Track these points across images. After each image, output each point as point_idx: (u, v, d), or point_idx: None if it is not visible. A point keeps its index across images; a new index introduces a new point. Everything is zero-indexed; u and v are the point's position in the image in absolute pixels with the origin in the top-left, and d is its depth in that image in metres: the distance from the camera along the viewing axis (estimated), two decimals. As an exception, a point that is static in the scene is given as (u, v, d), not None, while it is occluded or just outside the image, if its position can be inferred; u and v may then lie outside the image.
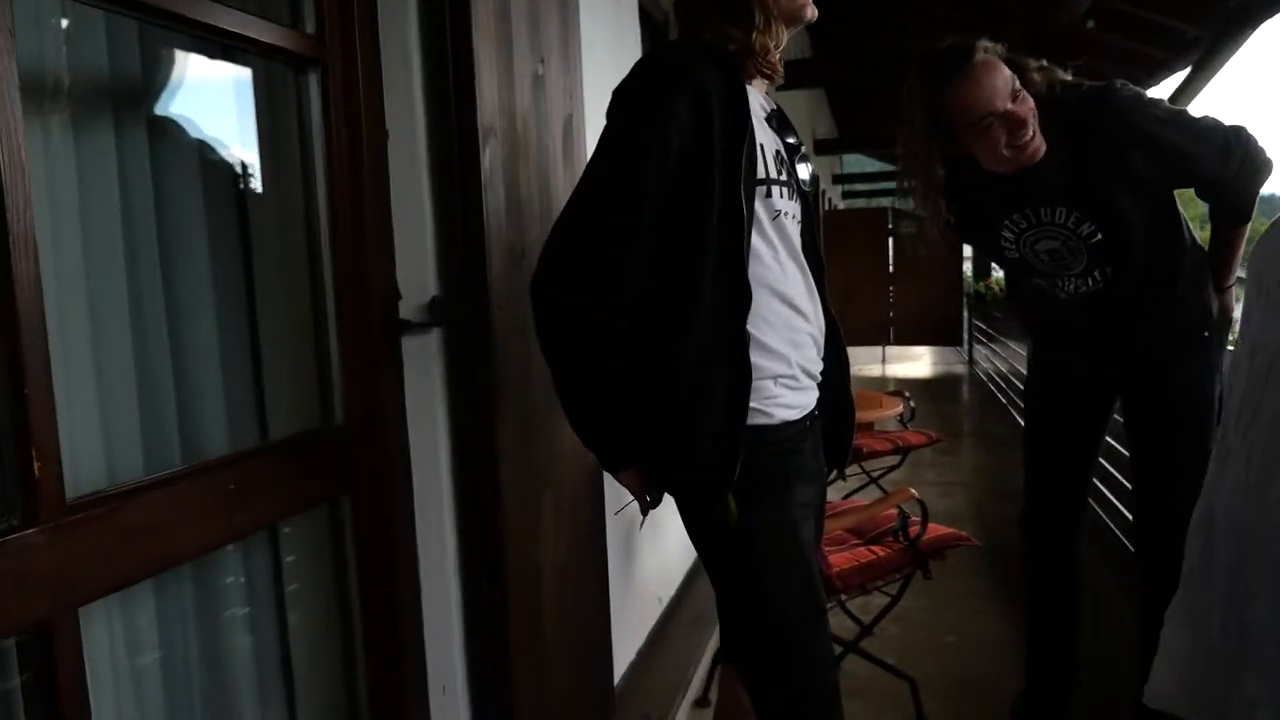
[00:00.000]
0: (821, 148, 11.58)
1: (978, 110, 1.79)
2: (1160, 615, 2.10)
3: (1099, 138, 1.86)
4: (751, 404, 1.37)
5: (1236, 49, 4.60)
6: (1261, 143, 1.91)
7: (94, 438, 1.13)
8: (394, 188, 1.57)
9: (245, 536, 1.35)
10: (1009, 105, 1.78)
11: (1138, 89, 1.91)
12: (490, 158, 1.61)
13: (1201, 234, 2.13)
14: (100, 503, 1.04)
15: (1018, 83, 1.80)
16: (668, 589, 3.18)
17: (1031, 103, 1.81)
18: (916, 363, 12.05)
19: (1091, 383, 2.21)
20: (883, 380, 10.38)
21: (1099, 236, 1.95)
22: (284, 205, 1.51)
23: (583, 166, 2.01)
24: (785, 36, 1.45)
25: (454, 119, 1.58)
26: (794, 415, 1.45)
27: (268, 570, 1.46)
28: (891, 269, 12.48)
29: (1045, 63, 1.91)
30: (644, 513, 1.51)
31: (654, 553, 2.90)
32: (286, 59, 1.45)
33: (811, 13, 1.46)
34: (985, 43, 1.81)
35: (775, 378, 1.41)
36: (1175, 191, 2.03)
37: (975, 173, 1.93)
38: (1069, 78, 1.92)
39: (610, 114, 1.41)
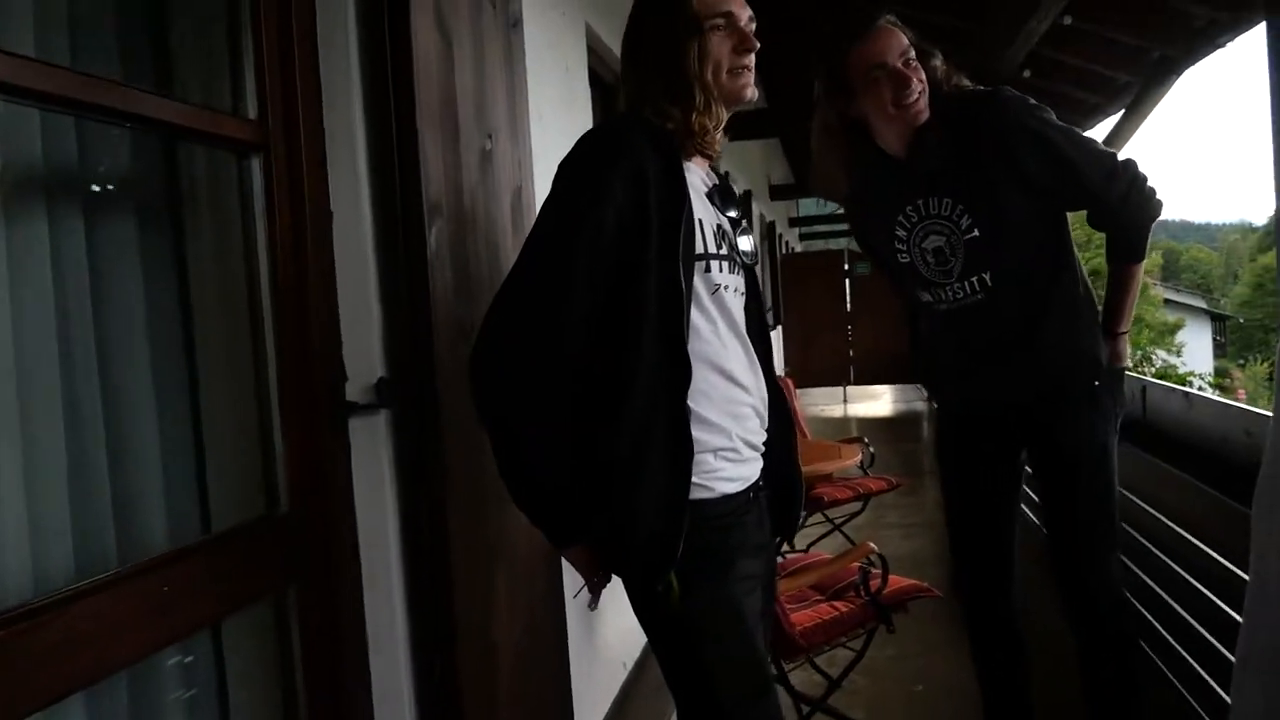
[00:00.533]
0: (777, 193, 11.75)
1: (869, 61, 1.95)
2: (1094, 668, 2.12)
3: (988, 130, 1.97)
4: (692, 478, 1.37)
5: (1163, 94, 4.79)
6: (1150, 181, 1.99)
7: (21, 543, 1.10)
8: (339, 268, 1.56)
9: (185, 638, 1.31)
10: (898, 64, 1.94)
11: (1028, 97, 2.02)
12: (437, 235, 1.61)
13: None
14: (25, 617, 1.00)
15: (913, 54, 1.96)
16: (632, 653, 3.14)
17: (922, 74, 1.96)
18: (877, 401, 12.15)
19: (993, 449, 2.20)
20: (844, 421, 10.45)
21: (976, 233, 1.99)
22: (226, 290, 1.49)
23: (532, 238, 2.03)
24: (725, 116, 1.48)
25: (399, 198, 1.58)
26: (735, 488, 1.45)
27: (209, 669, 1.42)
28: (849, 308, 12.64)
29: (946, 64, 2.04)
30: (593, 592, 1.50)
31: (618, 616, 2.86)
32: (228, 145, 1.44)
33: (752, 93, 1.49)
34: (890, 17, 1.99)
35: (715, 451, 1.41)
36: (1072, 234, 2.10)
37: (876, 162, 2.09)
38: (967, 82, 2.06)
39: (551, 190, 1.44)
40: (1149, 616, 2.72)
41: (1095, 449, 2.06)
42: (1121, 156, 2.01)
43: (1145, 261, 2.13)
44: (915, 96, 1.95)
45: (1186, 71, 4.52)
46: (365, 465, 1.57)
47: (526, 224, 2.04)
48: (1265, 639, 0.73)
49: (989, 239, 2.00)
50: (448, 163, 1.68)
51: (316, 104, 1.55)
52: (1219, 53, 4.21)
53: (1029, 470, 2.27)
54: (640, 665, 3.17)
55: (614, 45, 3.35)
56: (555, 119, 2.59)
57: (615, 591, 1.51)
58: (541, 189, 2.10)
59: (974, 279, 2.03)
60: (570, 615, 2.20)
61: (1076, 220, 2.20)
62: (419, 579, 1.60)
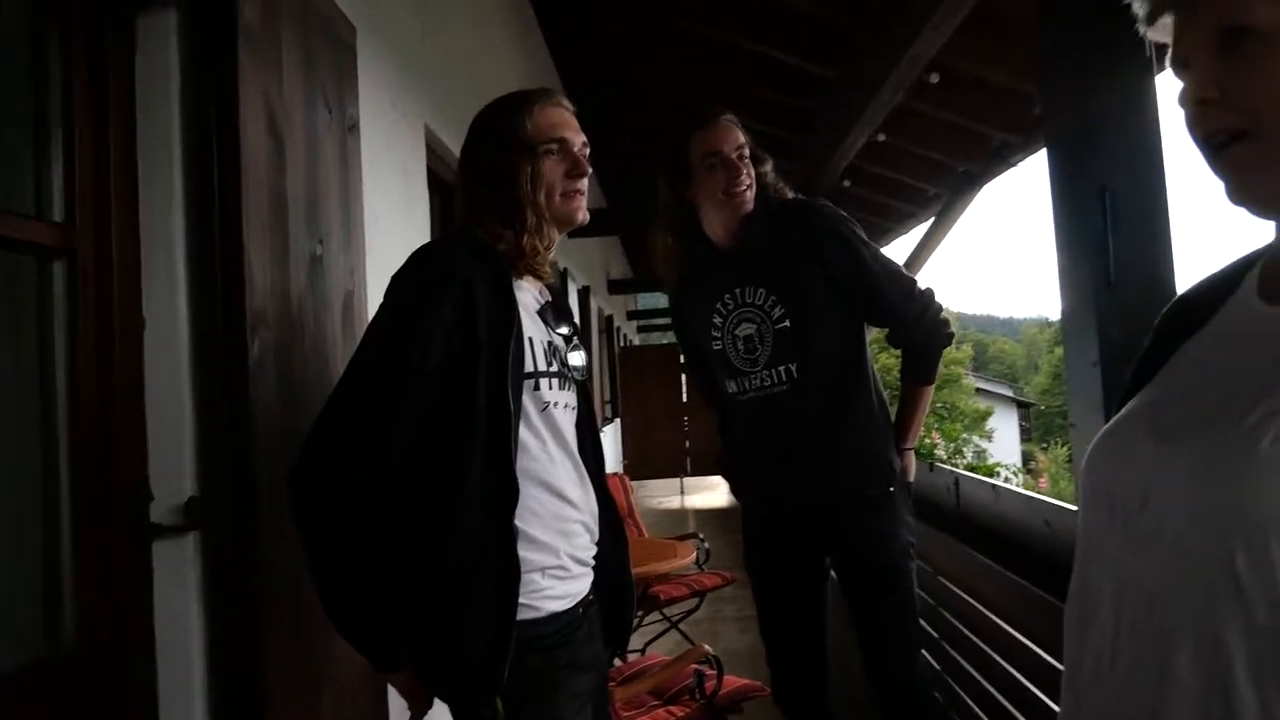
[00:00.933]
0: (615, 287, 11.98)
1: (706, 148, 2.13)
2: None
3: (805, 233, 2.13)
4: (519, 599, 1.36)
5: (968, 203, 5.29)
6: (944, 313, 2.19)
7: None
8: (149, 380, 1.47)
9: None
10: (732, 155, 2.12)
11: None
12: (260, 345, 1.55)
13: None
14: None
15: (746, 151, 2.15)
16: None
17: (752, 172, 2.14)
18: (714, 493, 12.34)
19: (796, 555, 2.27)
20: (682, 512, 10.55)
21: (787, 324, 2.11)
22: (16, 403, 1.37)
23: (364, 344, 1.98)
24: (557, 238, 1.51)
25: (220, 307, 1.51)
26: (563, 606, 1.44)
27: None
28: (685, 399, 12.90)
29: (775, 173, 2.24)
30: (417, 717, 1.44)
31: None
32: (28, 249, 1.35)
33: (583, 216, 1.53)
34: (731, 115, 2.18)
35: (543, 570, 1.40)
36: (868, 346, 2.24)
37: (703, 251, 2.24)
38: (790, 193, 2.25)
39: (380, 307, 1.42)
40: (967, 699, 2.84)
41: (896, 552, 2.16)
42: (921, 285, 2.17)
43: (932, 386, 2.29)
44: (743, 188, 2.11)
45: (987, 185, 5.00)
46: (170, 594, 1.45)
47: (358, 331, 1.99)
48: None
49: (798, 331, 2.12)
50: (275, 269, 1.63)
51: (131, 206, 1.48)
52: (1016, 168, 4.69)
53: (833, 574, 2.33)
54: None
55: (453, 145, 3.37)
56: (392, 221, 2.57)
57: (442, 712, 1.45)
58: (375, 294, 2.07)
59: (780, 369, 2.13)
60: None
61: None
62: (229, 716, 1.48)
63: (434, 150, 3.23)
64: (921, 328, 2.16)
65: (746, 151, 2.15)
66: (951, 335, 2.21)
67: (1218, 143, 0.69)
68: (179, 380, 1.48)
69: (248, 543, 1.49)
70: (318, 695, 1.67)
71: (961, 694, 2.88)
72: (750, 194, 2.14)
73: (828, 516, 2.18)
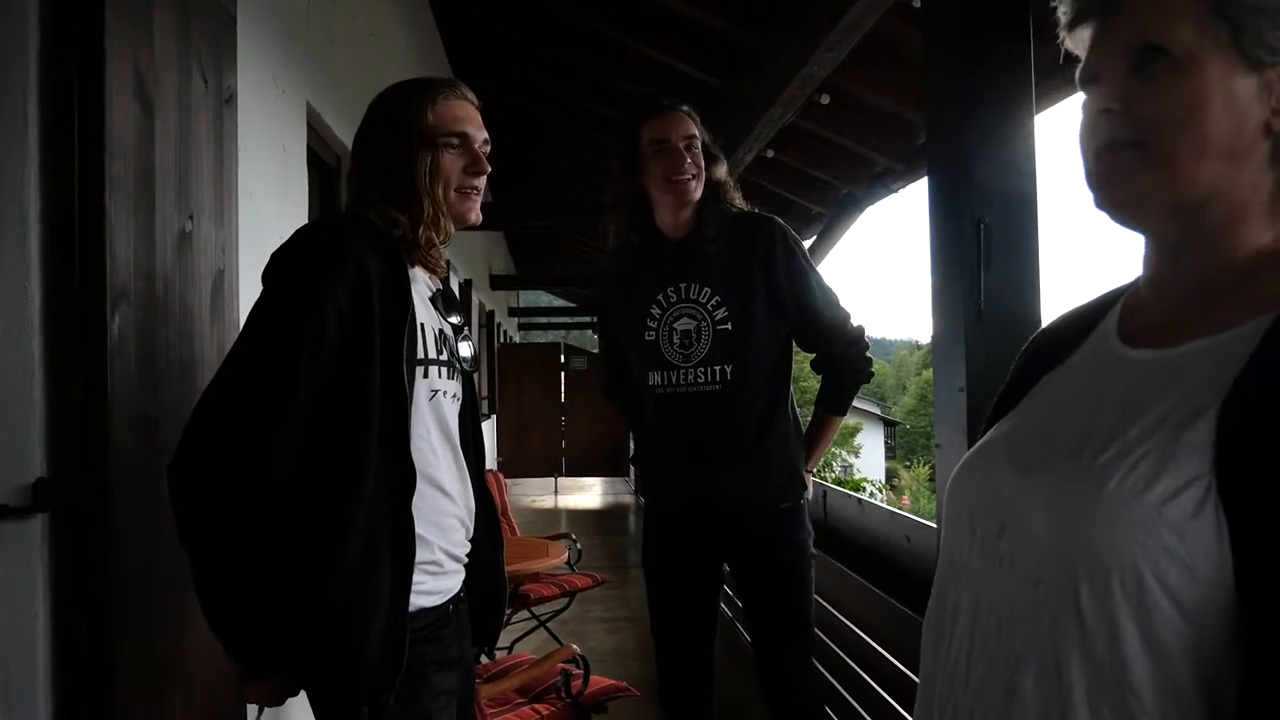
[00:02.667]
0: (498, 283, 11.85)
1: (655, 135, 2.14)
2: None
3: (758, 242, 2.15)
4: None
5: (850, 224, 5.48)
6: (869, 352, 2.26)
7: None
8: (-4, 356, 1.37)
9: None
10: (679, 144, 2.13)
11: None
12: (120, 323, 1.47)
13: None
14: None
15: (698, 144, 2.16)
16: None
17: (701, 163, 2.15)
18: (588, 493, 12.38)
19: (698, 557, 2.29)
20: (555, 511, 10.53)
21: (728, 326, 2.14)
22: None
23: (234, 326, 1.91)
24: (453, 232, 1.48)
25: (78, 281, 1.42)
26: (433, 602, 1.42)
27: None
28: (564, 400, 12.88)
29: (730, 180, 2.27)
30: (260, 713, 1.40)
31: (304, 729, 2.66)
32: None
33: (476, 217, 1.50)
34: (687, 107, 2.20)
35: (417, 564, 1.37)
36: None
37: (650, 240, 2.24)
38: (742, 204, 2.27)
39: (265, 284, 1.35)
40: (831, 714, 2.93)
41: (801, 563, 2.21)
42: (854, 321, 2.23)
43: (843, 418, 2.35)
44: (687, 176, 2.12)
45: (869, 208, 5.18)
46: (12, 580, 1.36)
47: (227, 312, 1.91)
48: None
49: (738, 334, 2.13)
50: (140, 244, 1.54)
51: (-19, 166, 1.37)
52: (898, 195, 4.86)
53: (731, 580, 2.37)
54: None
55: (336, 126, 3.27)
56: (268, 200, 2.47)
57: (300, 704, 1.41)
58: (247, 273, 1.99)
59: (715, 368, 2.14)
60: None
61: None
62: (72, 713, 1.39)
63: (315, 130, 3.13)
64: (848, 359, 2.22)
65: (697, 143, 2.16)
66: (871, 374, 2.27)
67: (1108, 150, 0.72)
68: (28, 358, 1.39)
69: (101, 528, 1.41)
70: (167, 694, 1.60)
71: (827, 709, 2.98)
72: (695, 184, 2.14)
73: (739, 522, 2.20)
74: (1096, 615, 0.64)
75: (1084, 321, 0.85)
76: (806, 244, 2.55)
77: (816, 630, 2.65)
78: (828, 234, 5.67)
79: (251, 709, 1.95)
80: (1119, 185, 0.73)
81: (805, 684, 2.25)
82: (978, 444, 0.86)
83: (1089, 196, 0.75)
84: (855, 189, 5.13)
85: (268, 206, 2.45)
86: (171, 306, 1.65)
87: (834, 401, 2.30)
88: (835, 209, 5.48)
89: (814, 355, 2.29)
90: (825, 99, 4.05)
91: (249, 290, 1.92)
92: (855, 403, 2.40)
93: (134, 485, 1.49)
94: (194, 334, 1.74)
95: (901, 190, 4.77)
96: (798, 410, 2.29)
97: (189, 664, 1.67)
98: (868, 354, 2.27)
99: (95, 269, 1.43)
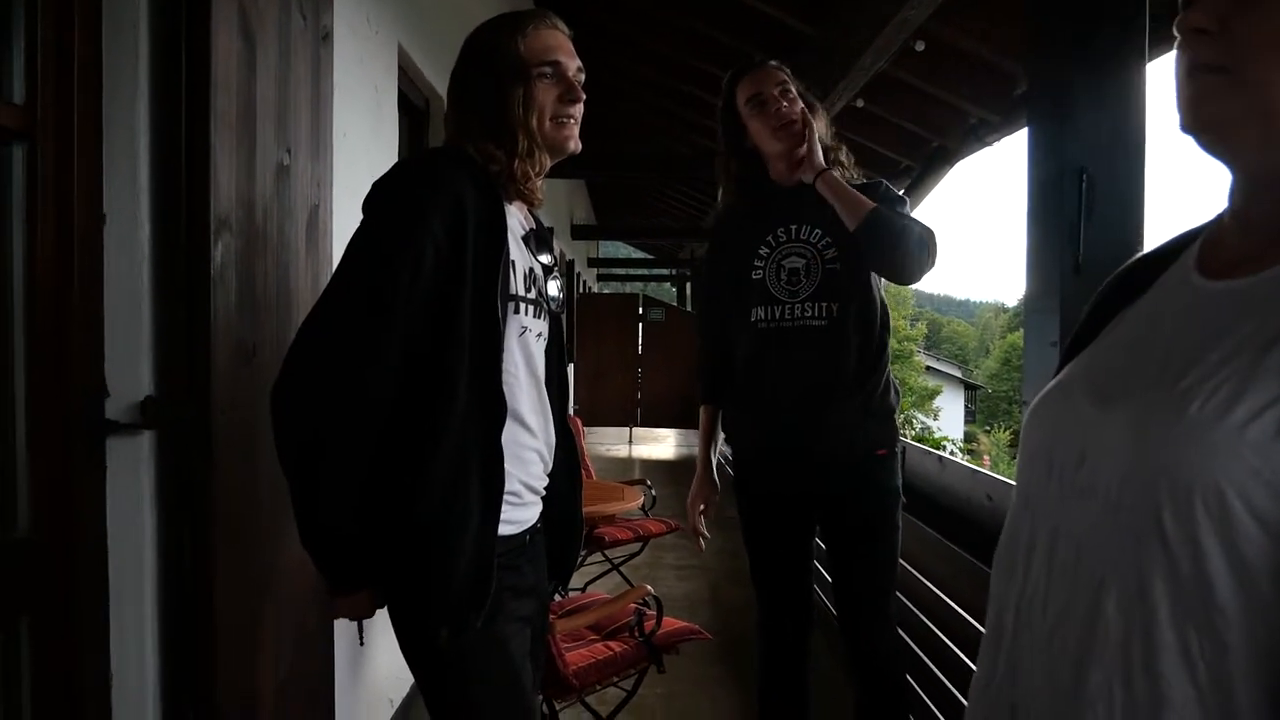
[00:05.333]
0: (579, 233, 11.90)
1: (748, 92, 2.18)
2: (872, 712, 2.27)
3: (864, 191, 2.12)
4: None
5: (939, 179, 5.31)
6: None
7: None
8: (109, 276, 1.44)
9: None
10: (773, 92, 2.15)
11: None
12: (223, 251, 1.52)
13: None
14: None
15: (791, 89, 2.17)
16: (400, 689, 3.04)
17: (799, 106, 2.16)
18: (662, 444, 12.46)
19: (791, 511, 2.30)
20: (629, 461, 10.64)
21: (836, 265, 2.14)
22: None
23: (328, 259, 1.96)
24: (548, 164, 1.49)
25: (184, 209, 1.48)
26: (511, 530, 1.45)
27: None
28: (641, 352, 12.93)
29: (838, 143, 2.26)
30: (361, 627, 1.46)
31: (386, 651, 2.77)
32: (-12, 130, 1.30)
33: (575, 145, 1.50)
34: (775, 61, 2.24)
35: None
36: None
37: (763, 187, 2.25)
38: (853, 172, 2.25)
39: (365, 214, 1.39)
40: (911, 681, 2.92)
41: (893, 510, 2.21)
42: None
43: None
44: (787, 120, 2.12)
45: (960, 162, 5.02)
46: (122, 490, 1.44)
47: (321, 245, 1.96)
48: (995, 686, 0.80)
49: (846, 275, 2.13)
50: (241, 175, 1.59)
51: (95, 96, 1.43)
52: (990, 149, 4.70)
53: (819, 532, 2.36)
54: (407, 704, 3.07)
55: (426, 69, 3.30)
56: (360, 139, 2.52)
57: (383, 626, 1.47)
58: (341, 209, 2.04)
59: (823, 304, 2.15)
60: (337, 651, 2.11)
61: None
62: (176, 618, 1.48)
63: (405, 72, 3.17)
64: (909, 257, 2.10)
65: (793, 90, 2.17)
66: (922, 241, 2.10)
67: (1197, 72, 0.71)
68: (139, 279, 1.46)
69: (201, 447, 1.48)
70: (259, 608, 1.68)
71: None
72: (800, 127, 2.13)
73: (836, 464, 2.19)
74: (1180, 537, 0.64)
75: (1161, 259, 0.84)
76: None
77: (898, 594, 2.64)
78: (916, 188, 5.51)
79: (346, 625, 2.03)
80: (1204, 105, 0.71)
81: (888, 644, 2.25)
82: (1054, 379, 0.85)
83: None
84: (946, 141, 4.97)
85: (359, 146, 2.50)
86: (270, 238, 1.71)
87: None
88: (925, 162, 5.33)
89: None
90: (920, 46, 3.91)
91: (343, 225, 1.97)
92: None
93: (233, 408, 1.55)
94: (290, 266, 1.80)
95: (996, 143, 4.61)
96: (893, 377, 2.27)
97: (281, 583, 1.75)
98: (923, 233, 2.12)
99: (200, 198, 1.48)
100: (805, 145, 2.13)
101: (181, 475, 1.48)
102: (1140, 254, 0.89)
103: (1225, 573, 0.63)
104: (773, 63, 2.21)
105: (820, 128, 2.18)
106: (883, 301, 2.22)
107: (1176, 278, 0.80)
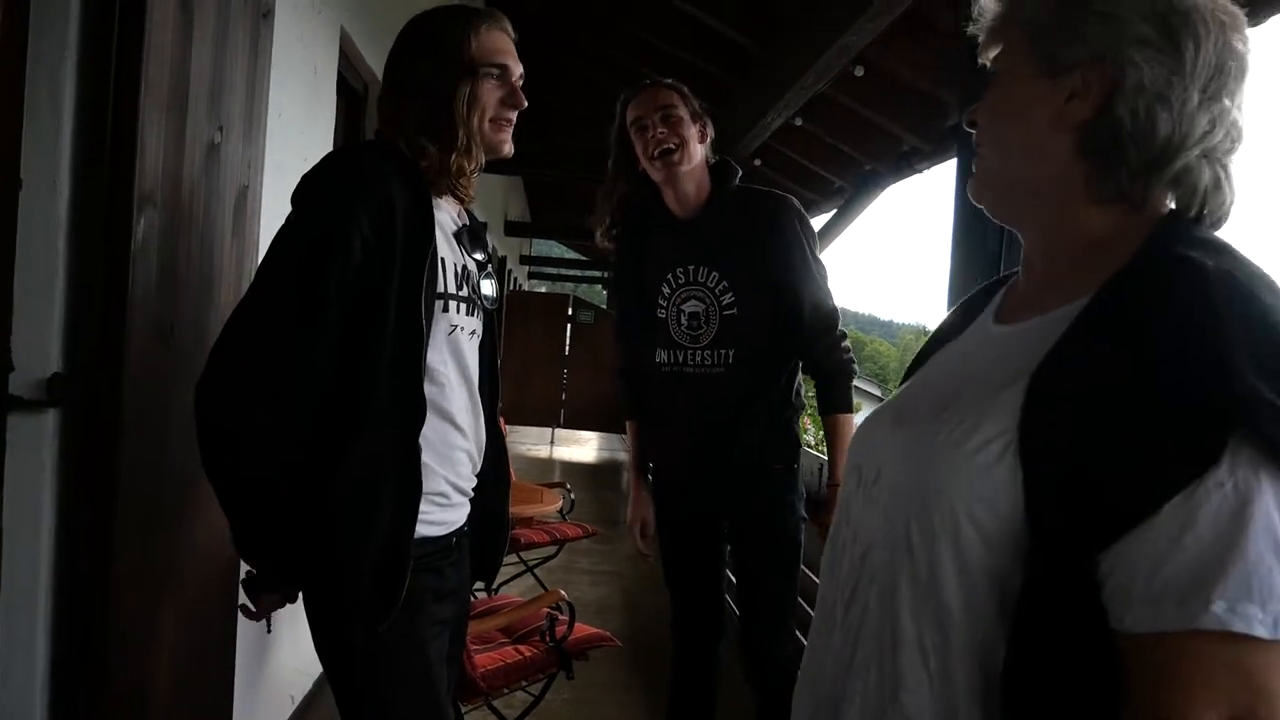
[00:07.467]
0: (512, 229, 11.81)
1: (633, 114, 2.13)
2: (769, 715, 2.31)
3: (767, 218, 2.14)
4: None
5: (870, 202, 5.44)
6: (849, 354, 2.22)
7: None
8: (21, 244, 1.37)
9: None
10: (653, 117, 2.08)
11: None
12: (145, 226, 1.47)
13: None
14: None
15: (676, 112, 2.09)
16: (302, 685, 2.97)
17: (683, 132, 2.08)
18: (584, 447, 12.43)
19: (700, 523, 2.34)
20: (550, 462, 10.59)
21: (734, 310, 2.14)
22: None
23: (255, 243, 1.91)
24: (483, 162, 1.48)
25: (108, 179, 1.42)
26: (437, 532, 1.44)
27: None
28: (568, 352, 12.88)
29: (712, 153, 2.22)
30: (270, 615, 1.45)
31: (289, 647, 2.70)
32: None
33: (508, 148, 1.51)
34: (669, 80, 2.16)
35: (424, 494, 1.39)
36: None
37: (662, 219, 2.21)
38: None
39: (294, 208, 1.37)
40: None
41: (789, 521, 2.24)
42: (840, 325, 2.21)
43: (853, 414, 2.25)
44: (663, 147, 2.06)
45: (891, 187, 5.13)
46: (21, 471, 1.37)
47: (249, 228, 1.91)
48: (817, 663, 0.91)
49: (742, 318, 2.14)
50: (169, 149, 1.54)
51: (20, 54, 1.37)
52: (919, 176, 4.81)
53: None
54: (309, 701, 3.00)
55: (367, 52, 3.24)
56: (296, 120, 2.46)
57: (290, 621, 1.44)
58: (272, 192, 1.99)
59: (722, 351, 2.16)
60: (240, 643, 2.05)
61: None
62: (70, 605, 1.42)
63: (346, 55, 3.10)
64: (833, 360, 2.19)
65: (677, 112, 2.09)
66: (855, 371, 2.22)
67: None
68: (54, 250, 1.39)
69: (109, 428, 1.42)
70: (159, 598, 1.62)
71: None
72: (679, 155, 2.07)
73: (735, 481, 2.22)
74: (921, 544, 0.77)
75: (982, 300, 0.97)
76: (825, 218, 2.54)
77: (801, 601, 2.68)
78: (847, 210, 5.62)
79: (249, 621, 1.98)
80: (970, 183, 0.90)
81: (784, 651, 2.29)
82: (878, 407, 0.99)
83: None
84: (880, 166, 5.08)
85: (294, 127, 2.44)
86: (195, 217, 1.66)
87: (838, 401, 2.24)
88: (857, 185, 5.44)
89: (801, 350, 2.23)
90: (860, 71, 4.00)
91: (272, 208, 1.92)
92: (857, 383, 2.36)
93: (145, 388, 1.50)
94: (215, 247, 1.74)
95: (925, 171, 4.73)
96: (801, 380, 2.30)
97: (183, 570, 1.70)
98: (849, 356, 2.23)
99: (124, 170, 1.43)
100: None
101: (86, 457, 1.42)
102: (970, 293, 1.02)
103: (953, 576, 0.75)
104: (667, 82, 2.15)
105: (701, 151, 2.15)
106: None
107: (980, 320, 0.94)
